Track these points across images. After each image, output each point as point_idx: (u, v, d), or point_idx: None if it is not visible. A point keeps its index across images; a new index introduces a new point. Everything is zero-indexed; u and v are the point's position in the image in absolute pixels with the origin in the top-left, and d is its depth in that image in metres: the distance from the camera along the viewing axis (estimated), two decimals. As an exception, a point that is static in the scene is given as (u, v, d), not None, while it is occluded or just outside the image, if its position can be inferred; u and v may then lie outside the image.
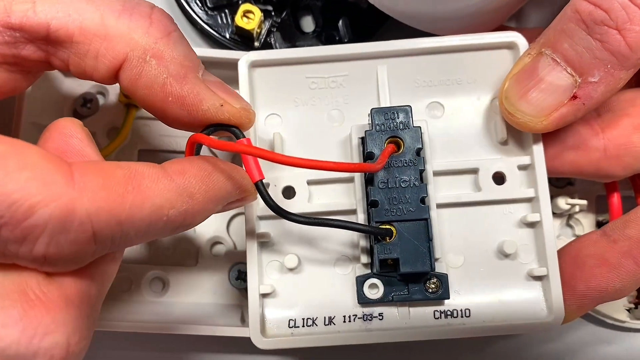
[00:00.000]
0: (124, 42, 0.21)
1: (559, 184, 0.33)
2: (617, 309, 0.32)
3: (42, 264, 0.18)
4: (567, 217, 0.33)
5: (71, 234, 0.17)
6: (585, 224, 0.33)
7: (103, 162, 0.19)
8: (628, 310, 0.33)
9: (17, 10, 0.20)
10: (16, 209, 0.16)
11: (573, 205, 0.32)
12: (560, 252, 0.27)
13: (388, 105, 0.26)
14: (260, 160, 0.23)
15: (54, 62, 0.22)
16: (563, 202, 0.32)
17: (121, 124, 0.30)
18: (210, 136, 0.23)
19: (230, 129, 0.23)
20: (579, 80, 0.23)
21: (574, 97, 0.23)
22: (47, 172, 0.17)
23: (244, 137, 0.23)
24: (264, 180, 0.23)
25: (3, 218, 0.16)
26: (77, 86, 0.32)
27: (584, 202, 0.32)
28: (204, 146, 0.23)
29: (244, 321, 0.29)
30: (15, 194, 0.16)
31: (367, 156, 0.24)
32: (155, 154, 0.32)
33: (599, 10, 0.22)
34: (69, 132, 0.20)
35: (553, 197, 0.32)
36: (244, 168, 0.23)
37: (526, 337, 0.33)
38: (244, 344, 0.29)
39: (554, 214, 0.33)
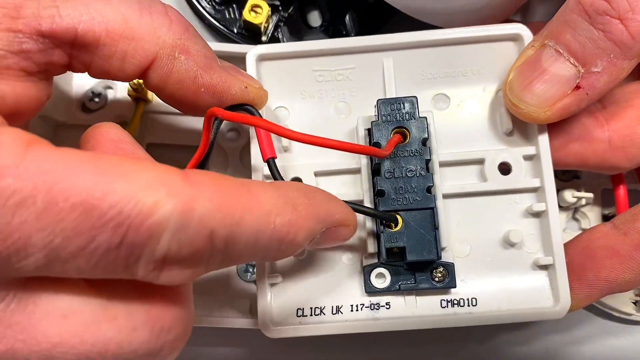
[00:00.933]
0: (152, 42, 0.22)
1: (566, 178, 0.33)
2: (624, 302, 0.32)
3: (161, 268, 0.17)
4: (573, 210, 0.33)
5: (191, 231, 0.17)
6: (592, 217, 0.33)
7: (213, 173, 0.19)
8: (634, 303, 0.33)
9: (46, 15, 0.20)
10: (141, 207, 0.16)
11: (579, 199, 0.32)
12: (571, 243, 0.27)
13: (394, 96, 0.26)
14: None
15: (75, 65, 0.22)
16: (569, 195, 0.32)
17: (130, 118, 0.31)
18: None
19: (246, 108, 0.24)
20: (582, 71, 0.23)
21: (577, 87, 0.23)
22: (164, 172, 0.17)
23: (259, 115, 0.25)
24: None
25: (129, 218, 0.16)
26: (85, 80, 0.32)
27: (590, 195, 0.32)
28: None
29: (252, 313, 0.30)
30: (139, 193, 0.16)
31: (374, 146, 0.25)
32: (164, 148, 0.32)
33: (601, 0, 0.22)
34: (116, 137, 0.21)
35: (559, 190, 0.32)
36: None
37: (533, 329, 0.33)
38: (253, 336, 0.30)
39: (560, 207, 0.33)
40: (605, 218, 0.33)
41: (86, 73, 0.23)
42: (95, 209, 0.16)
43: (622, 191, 0.31)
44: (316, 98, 0.27)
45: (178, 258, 0.17)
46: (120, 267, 0.17)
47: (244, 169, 0.31)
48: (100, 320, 0.17)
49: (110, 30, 0.21)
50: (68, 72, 0.31)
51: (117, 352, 0.18)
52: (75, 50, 0.21)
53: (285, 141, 0.26)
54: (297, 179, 0.26)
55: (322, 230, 0.21)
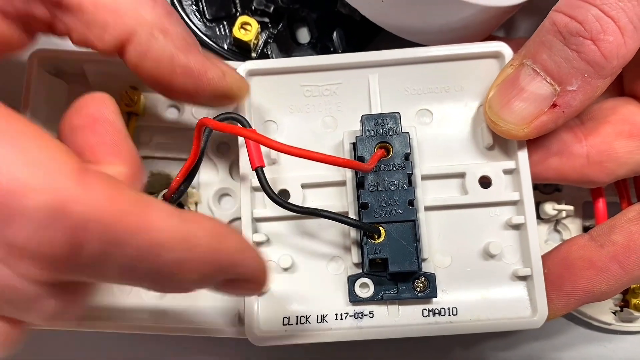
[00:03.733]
0: (133, 17, 0.22)
1: (547, 191, 0.34)
2: (604, 312, 0.33)
3: (20, 256, 0.16)
4: (554, 222, 0.34)
5: (57, 232, 0.15)
6: (573, 229, 0.34)
7: (118, 181, 0.18)
8: (614, 313, 0.33)
9: None
10: (13, 190, 0.15)
11: (560, 211, 0.33)
12: (550, 254, 0.28)
13: (379, 112, 0.27)
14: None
15: (58, 26, 0.23)
16: (550, 208, 0.33)
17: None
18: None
19: (236, 118, 0.25)
20: (558, 89, 0.24)
21: (554, 105, 0.24)
22: (60, 160, 0.16)
23: (250, 126, 0.25)
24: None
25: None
26: (80, 94, 0.33)
27: (571, 207, 0.33)
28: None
29: (240, 323, 0.30)
30: (18, 173, 0.15)
31: (358, 160, 0.25)
32: (155, 161, 0.33)
33: (574, 22, 0.23)
34: (105, 117, 0.20)
35: (541, 203, 0.33)
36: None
37: (516, 336, 0.34)
38: (241, 345, 0.30)
39: (541, 219, 0.34)
40: (586, 230, 0.34)
41: (69, 40, 0.23)
42: None
43: (601, 204, 0.32)
44: (304, 112, 0.28)
45: (37, 254, 0.16)
46: None
47: (234, 182, 0.32)
48: None
49: None
50: (64, 85, 0.32)
51: None
52: (59, 11, 0.22)
53: (273, 154, 0.27)
54: (285, 191, 0.27)
55: (220, 280, 0.20)
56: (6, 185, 0.15)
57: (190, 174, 0.26)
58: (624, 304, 0.33)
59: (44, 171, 0.16)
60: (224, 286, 0.20)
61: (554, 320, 0.34)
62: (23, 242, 0.16)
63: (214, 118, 0.25)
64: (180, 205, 0.32)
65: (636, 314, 0.32)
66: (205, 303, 0.32)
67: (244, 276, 0.20)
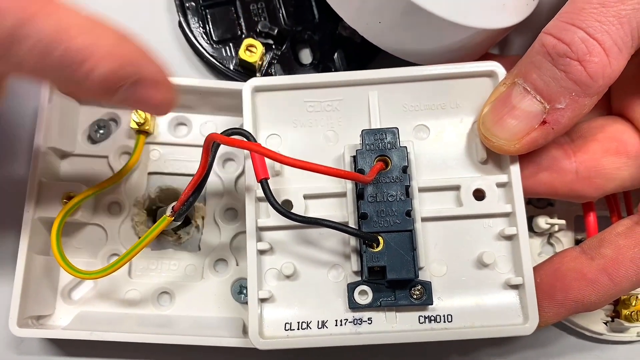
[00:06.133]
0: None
1: (540, 205, 0.35)
2: (596, 322, 0.34)
3: None
4: (548, 235, 0.35)
5: None
6: (565, 242, 0.35)
7: None
8: (605, 323, 0.34)
9: None
10: None
11: (553, 225, 0.34)
12: (542, 265, 0.29)
13: (378, 127, 0.29)
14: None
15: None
16: (543, 222, 0.34)
17: (133, 149, 0.33)
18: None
19: (243, 133, 0.26)
20: (548, 107, 0.25)
21: (544, 122, 0.26)
22: None
23: (255, 140, 0.27)
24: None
25: None
26: (92, 113, 0.34)
27: (563, 221, 0.34)
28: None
29: (245, 333, 0.31)
30: None
31: (359, 172, 0.27)
32: (163, 177, 0.34)
33: (561, 44, 0.24)
34: None
35: (534, 217, 0.34)
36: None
37: (510, 345, 0.35)
38: (246, 355, 0.31)
39: (535, 232, 0.35)
40: (578, 243, 0.35)
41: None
42: None
43: (592, 218, 0.33)
44: (307, 127, 0.29)
45: None
46: None
47: (239, 195, 0.34)
48: None
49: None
50: (75, 105, 0.32)
51: None
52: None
53: (277, 166, 0.28)
54: (288, 202, 0.28)
55: (129, 79, 0.20)
56: None
57: (198, 187, 0.27)
58: (615, 314, 0.34)
59: None
60: (129, 94, 0.21)
61: (547, 329, 0.35)
62: None
63: (221, 133, 0.26)
64: (188, 219, 0.34)
65: (627, 324, 0.34)
66: (211, 314, 0.33)
67: (148, 74, 0.21)
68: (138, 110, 0.32)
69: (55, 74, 0.19)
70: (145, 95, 0.21)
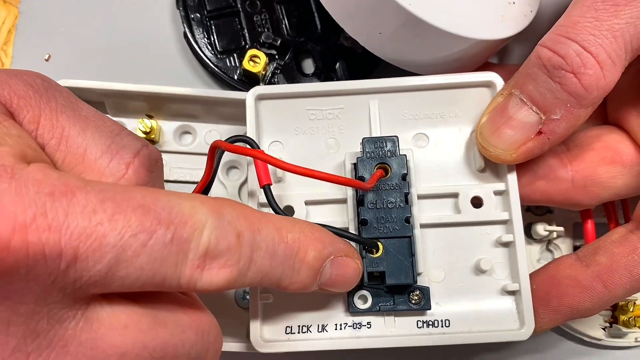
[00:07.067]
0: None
1: (539, 212, 0.36)
2: (594, 328, 0.35)
3: (203, 266, 0.20)
4: (546, 242, 0.36)
5: (224, 228, 0.20)
6: (564, 248, 0.36)
7: None
8: (604, 329, 0.35)
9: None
10: (184, 210, 0.19)
11: (551, 232, 0.34)
12: (539, 272, 0.29)
13: (379, 135, 0.29)
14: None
15: None
16: (542, 229, 0.34)
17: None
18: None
19: (246, 140, 0.27)
20: (544, 118, 0.26)
21: (540, 132, 0.26)
22: (195, 193, 0.22)
23: (258, 147, 0.27)
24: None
25: (177, 217, 0.19)
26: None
27: (561, 228, 0.34)
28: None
29: (249, 337, 0.32)
30: (181, 201, 0.20)
31: (359, 179, 0.27)
32: (169, 184, 0.35)
33: (557, 56, 0.25)
34: None
35: (532, 223, 0.35)
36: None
37: (509, 351, 0.35)
38: (246, 359, 0.31)
39: (533, 239, 0.35)
40: (577, 249, 0.35)
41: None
42: (150, 211, 0.18)
43: (590, 225, 0.33)
44: (308, 134, 0.30)
45: (216, 253, 0.20)
46: (171, 266, 0.19)
47: (241, 202, 0.34)
48: (155, 326, 0.20)
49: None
50: None
51: (174, 354, 0.20)
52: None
53: (279, 172, 0.29)
54: (290, 207, 0.29)
55: (330, 258, 0.24)
56: (182, 212, 0.20)
57: (203, 193, 0.28)
58: (614, 320, 0.35)
59: (194, 197, 0.21)
60: (333, 270, 0.25)
61: (546, 335, 0.35)
62: (207, 245, 0.20)
63: (225, 140, 0.27)
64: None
65: (625, 330, 0.34)
66: (217, 320, 0.33)
67: (344, 251, 0.25)
68: (144, 119, 0.33)
69: (280, 268, 0.22)
70: (343, 270, 0.25)
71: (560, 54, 0.25)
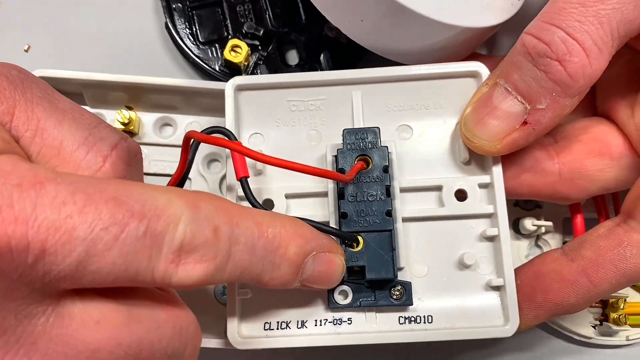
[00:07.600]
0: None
1: (528, 207, 0.35)
2: (584, 326, 0.34)
3: (178, 261, 0.19)
4: (535, 238, 0.35)
5: (200, 222, 0.20)
6: (553, 244, 0.35)
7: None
8: (594, 327, 0.34)
9: None
10: (158, 203, 0.19)
11: (539, 227, 0.34)
12: (524, 267, 0.29)
13: (361, 126, 0.28)
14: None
15: None
16: (530, 224, 0.34)
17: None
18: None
19: (223, 131, 0.26)
20: (529, 108, 0.25)
21: (525, 122, 0.25)
22: (171, 186, 0.22)
23: (236, 139, 0.26)
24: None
25: (150, 211, 0.18)
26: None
27: (549, 223, 0.34)
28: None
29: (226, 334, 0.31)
30: (156, 194, 0.19)
31: (339, 172, 0.27)
32: (149, 177, 0.34)
33: (541, 44, 0.24)
34: None
35: (520, 218, 0.34)
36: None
37: (497, 348, 0.35)
38: (228, 355, 0.31)
39: (522, 235, 0.35)
40: (565, 245, 0.35)
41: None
42: (123, 203, 0.18)
43: (579, 220, 0.33)
44: (289, 126, 0.29)
45: (192, 247, 0.19)
46: (145, 260, 0.18)
47: (223, 196, 0.33)
48: (130, 322, 0.19)
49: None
50: None
51: (150, 351, 0.19)
52: None
53: (259, 165, 0.28)
54: (269, 201, 0.28)
55: (312, 254, 0.23)
56: (155, 205, 0.19)
57: (178, 185, 0.27)
58: (604, 318, 0.34)
59: (169, 190, 0.20)
60: (316, 266, 0.24)
61: (535, 332, 0.35)
62: (182, 239, 0.19)
63: (201, 131, 0.26)
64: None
65: (615, 327, 0.33)
66: (196, 315, 0.32)
67: (327, 247, 0.25)
68: (122, 110, 0.32)
69: (260, 264, 0.22)
70: (326, 266, 0.24)
71: (545, 41, 0.24)
